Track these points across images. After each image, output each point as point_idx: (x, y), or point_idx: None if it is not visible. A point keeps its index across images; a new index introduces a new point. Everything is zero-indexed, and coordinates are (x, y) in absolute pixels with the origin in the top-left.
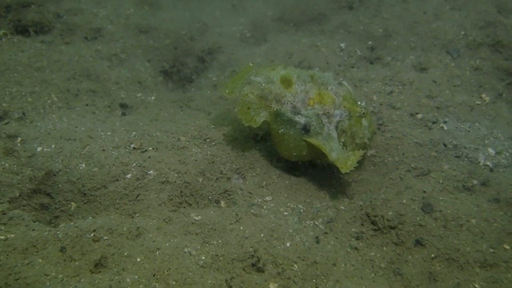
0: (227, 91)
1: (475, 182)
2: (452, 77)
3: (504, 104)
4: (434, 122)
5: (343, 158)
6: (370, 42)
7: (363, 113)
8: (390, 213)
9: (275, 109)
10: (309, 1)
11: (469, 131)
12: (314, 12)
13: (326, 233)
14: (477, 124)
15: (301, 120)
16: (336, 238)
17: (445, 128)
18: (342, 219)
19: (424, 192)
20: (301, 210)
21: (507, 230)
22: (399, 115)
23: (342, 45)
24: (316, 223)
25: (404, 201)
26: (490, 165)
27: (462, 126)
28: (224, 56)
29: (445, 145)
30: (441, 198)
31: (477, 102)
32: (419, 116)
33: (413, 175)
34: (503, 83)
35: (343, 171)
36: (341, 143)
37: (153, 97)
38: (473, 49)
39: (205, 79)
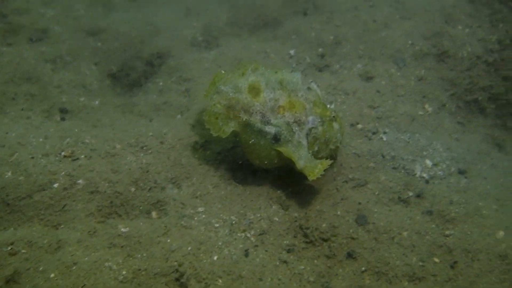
0: (205, 93)
1: (410, 194)
2: (396, 87)
3: (446, 115)
4: (374, 133)
5: (311, 166)
6: (320, 49)
7: (334, 116)
8: (324, 225)
9: (244, 119)
10: (264, 6)
11: (408, 142)
12: (269, 17)
13: (256, 245)
14: (417, 135)
15: (271, 130)
16: (266, 251)
17: (385, 139)
18: (275, 231)
19: (359, 203)
20: (233, 222)
21: (437, 243)
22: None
23: (292, 51)
24: (248, 235)
25: (339, 212)
26: (426, 177)
27: (402, 137)
28: (173, 61)
29: (383, 156)
30: (375, 210)
31: (420, 113)
32: (360, 126)
33: (350, 186)
34: (446, 94)
35: (310, 178)
36: (315, 151)
37: (97, 102)
38: (419, 59)
39: (152, 84)
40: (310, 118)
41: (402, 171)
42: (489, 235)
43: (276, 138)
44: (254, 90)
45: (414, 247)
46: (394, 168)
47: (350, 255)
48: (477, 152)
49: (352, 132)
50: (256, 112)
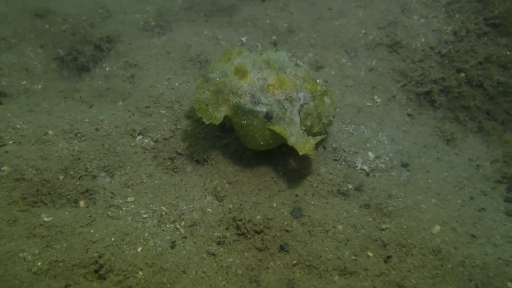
0: (196, 87)
1: (350, 186)
2: (346, 77)
3: (397, 106)
4: None
5: (302, 142)
6: (274, 37)
7: (324, 90)
8: (258, 217)
9: (233, 102)
10: None
11: (352, 133)
12: (227, 2)
13: (185, 237)
14: (362, 126)
15: (263, 109)
16: (195, 243)
17: (328, 130)
18: (207, 222)
19: (297, 195)
20: (163, 213)
21: (372, 237)
22: None
23: (244, 38)
24: (178, 226)
25: (275, 204)
26: (367, 170)
27: (346, 128)
28: (122, 46)
29: (324, 148)
30: (312, 202)
31: (368, 104)
32: None
33: (289, 178)
34: (397, 85)
35: (301, 152)
36: (308, 125)
37: (39, 86)
38: (371, 49)
39: (99, 69)
40: (301, 94)
41: (343, 163)
42: (425, 229)
43: (268, 116)
44: (241, 72)
45: (348, 240)
46: (335, 160)
47: (282, 248)
48: (424, 145)
49: None
50: (245, 93)
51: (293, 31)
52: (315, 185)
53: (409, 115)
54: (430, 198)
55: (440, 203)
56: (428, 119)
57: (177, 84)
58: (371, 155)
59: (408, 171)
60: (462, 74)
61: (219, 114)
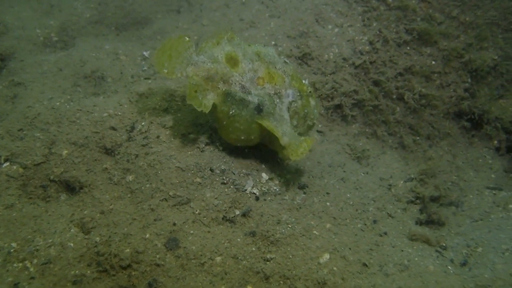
0: (165, 71)
1: (237, 212)
2: None
3: None
4: (207, 144)
5: (295, 144)
6: None
7: (310, 91)
8: (126, 250)
9: (223, 89)
10: (135, 3)
11: (247, 153)
12: (140, 15)
13: (33, 277)
14: (261, 145)
15: (254, 99)
16: (43, 284)
17: (220, 149)
18: (65, 259)
19: (174, 225)
20: (12, 250)
21: (255, 269)
22: (168, 135)
23: (146, 53)
24: (28, 265)
25: (148, 235)
26: (257, 193)
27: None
28: (14, 63)
29: (212, 170)
30: (191, 231)
31: None
32: (192, 136)
33: (170, 204)
34: None
35: (293, 158)
36: (293, 125)
37: None
38: None
39: None
40: (290, 91)
41: (232, 186)
42: (312, 259)
43: (259, 108)
44: (232, 60)
45: (226, 274)
46: (223, 183)
47: (150, 285)
48: (329, 164)
49: (181, 143)
50: (235, 83)
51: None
52: (197, 212)
53: (319, 131)
54: (325, 223)
55: (335, 229)
56: (340, 135)
57: (58, 103)
58: (264, 176)
59: (305, 193)
60: (379, 87)
61: (207, 102)
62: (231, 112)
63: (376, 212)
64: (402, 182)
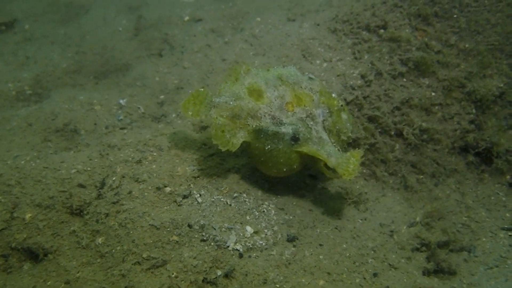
0: (190, 113)
1: (219, 273)
2: None
3: None
4: (186, 196)
5: (343, 163)
6: (162, 96)
7: (341, 105)
8: None
9: (254, 126)
10: (115, 50)
11: (230, 204)
12: (120, 62)
13: None
14: (244, 195)
15: (288, 130)
16: None
17: (199, 201)
18: None
19: None
20: None
21: None
22: (142, 189)
23: (122, 101)
24: None
25: None
26: (241, 250)
27: (222, 199)
28: None
29: (190, 226)
30: None
31: None
32: (168, 189)
33: (143, 268)
34: None
35: (346, 178)
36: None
37: None
38: None
39: None
40: (319, 111)
41: (212, 243)
42: None
43: (295, 138)
44: (255, 92)
45: None
46: (203, 240)
47: None
48: (322, 212)
49: (155, 198)
50: (264, 115)
51: (181, 88)
52: (174, 275)
53: (311, 176)
54: (318, 280)
55: (329, 286)
56: (334, 179)
57: (23, 161)
58: (249, 230)
59: (294, 246)
60: (374, 123)
61: (236, 141)
62: (267, 148)
63: (377, 263)
64: (405, 227)
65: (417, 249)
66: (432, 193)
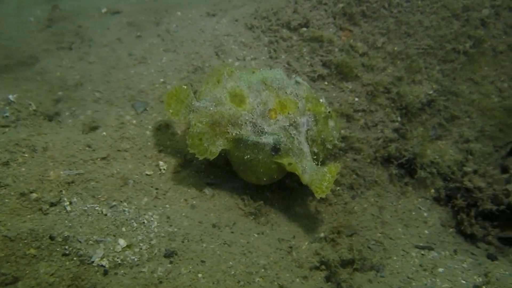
0: (171, 111)
1: None
2: (121, 139)
3: (192, 174)
4: (53, 204)
5: (317, 180)
6: (60, 93)
7: (329, 111)
8: None
9: (233, 134)
10: (23, 42)
11: (105, 214)
12: (25, 54)
13: None
14: (125, 204)
15: (269, 140)
16: None
17: (68, 210)
18: None
19: None
20: None
21: None
22: (2, 195)
23: (11, 97)
24: None
25: None
26: (106, 266)
27: (97, 208)
28: None
29: (52, 238)
30: None
31: (147, 173)
32: (34, 196)
33: None
34: None
35: (318, 196)
36: (314, 152)
37: None
38: None
39: None
40: (304, 119)
41: (75, 258)
42: None
43: (276, 149)
44: (237, 98)
45: None
46: (64, 254)
47: None
48: (213, 224)
49: (19, 206)
50: (245, 123)
51: (82, 84)
52: None
53: (210, 184)
54: None
55: None
56: (235, 188)
57: None
58: (121, 243)
59: (171, 263)
60: None
61: (215, 149)
62: (246, 158)
63: (265, 283)
64: (307, 243)
65: (317, 268)
66: (348, 206)
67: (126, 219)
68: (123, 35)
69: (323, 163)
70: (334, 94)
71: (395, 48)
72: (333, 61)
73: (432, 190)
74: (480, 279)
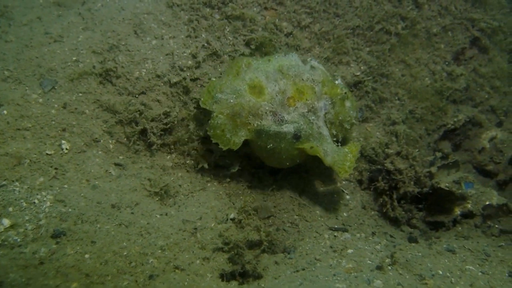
0: (202, 99)
1: None
2: (22, 118)
3: (98, 154)
4: None
5: (340, 160)
6: None
7: (345, 93)
8: None
9: (255, 125)
10: None
11: None
12: None
13: None
14: (16, 183)
15: (290, 129)
16: None
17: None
18: None
19: None
20: None
21: None
22: None
23: None
24: None
25: None
26: None
27: None
28: None
29: None
30: None
31: (48, 152)
32: None
33: None
34: (104, 126)
35: (342, 176)
36: (333, 135)
37: None
38: (76, 81)
39: None
40: (322, 104)
41: None
42: None
43: (297, 136)
44: (256, 89)
45: None
46: None
47: None
48: (113, 204)
49: None
50: (266, 113)
51: None
52: None
53: (118, 164)
54: (70, 282)
55: None
56: (143, 168)
57: None
58: (5, 223)
59: (57, 243)
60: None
61: (238, 139)
62: (268, 147)
63: (159, 264)
64: (213, 224)
65: (220, 249)
66: (267, 188)
67: (15, 199)
68: (44, 14)
69: (343, 143)
70: None
71: (322, 28)
72: (255, 40)
73: (356, 173)
74: (388, 260)
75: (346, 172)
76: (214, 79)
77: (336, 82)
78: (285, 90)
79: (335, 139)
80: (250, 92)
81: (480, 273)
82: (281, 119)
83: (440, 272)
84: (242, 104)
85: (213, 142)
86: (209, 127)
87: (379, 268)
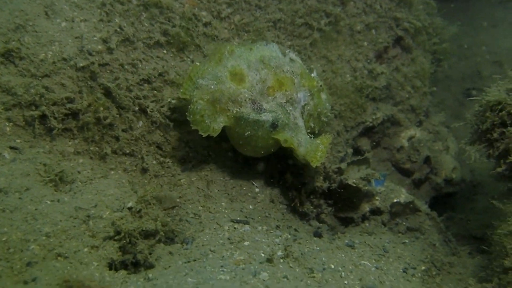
0: (181, 90)
1: None
2: None
3: None
4: None
5: (312, 151)
6: None
7: (320, 85)
8: None
9: (234, 112)
10: None
11: None
12: None
13: None
14: None
15: (268, 117)
16: None
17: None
18: None
19: None
20: None
21: None
22: None
23: None
24: None
25: None
26: None
27: None
28: None
29: None
30: None
31: None
32: None
33: None
34: None
35: (314, 164)
36: (311, 127)
37: None
38: None
39: None
40: (301, 94)
41: None
42: None
43: (274, 125)
44: (237, 76)
45: None
46: None
47: None
48: (1, 188)
49: None
50: (245, 100)
51: None
52: None
53: (14, 148)
54: None
55: None
56: (41, 153)
57: None
58: None
59: None
60: (110, 96)
61: (217, 125)
62: (246, 134)
63: (40, 251)
64: (108, 213)
65: (112, 238)
66: (174, 178)
67: None
68: None
69: (316, 136)
70: (172, 63)
71: (243, 20)
72: (171, 29)
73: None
74: (280, 253)
75: (317, 161)
76: (198, 63)
77: (312, 75)
78: (265, 80)
79: (309, 131)
80: (231, 79)
81: (373, 268)
82: (259, 107)
83: (332, 266)
84: (222, 90)
85: (192, 128)
86: (188, 112)
87: (269, 260)
